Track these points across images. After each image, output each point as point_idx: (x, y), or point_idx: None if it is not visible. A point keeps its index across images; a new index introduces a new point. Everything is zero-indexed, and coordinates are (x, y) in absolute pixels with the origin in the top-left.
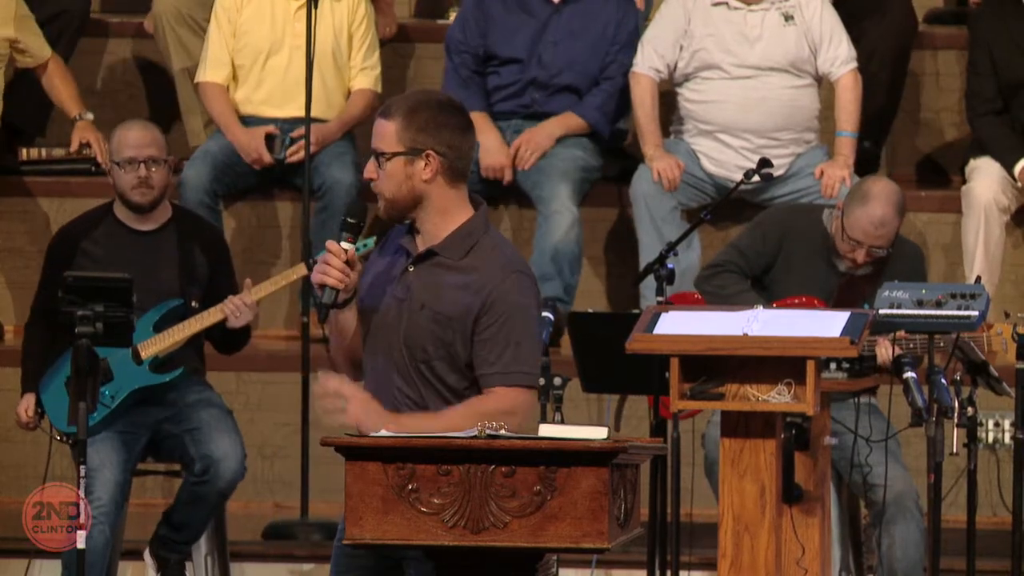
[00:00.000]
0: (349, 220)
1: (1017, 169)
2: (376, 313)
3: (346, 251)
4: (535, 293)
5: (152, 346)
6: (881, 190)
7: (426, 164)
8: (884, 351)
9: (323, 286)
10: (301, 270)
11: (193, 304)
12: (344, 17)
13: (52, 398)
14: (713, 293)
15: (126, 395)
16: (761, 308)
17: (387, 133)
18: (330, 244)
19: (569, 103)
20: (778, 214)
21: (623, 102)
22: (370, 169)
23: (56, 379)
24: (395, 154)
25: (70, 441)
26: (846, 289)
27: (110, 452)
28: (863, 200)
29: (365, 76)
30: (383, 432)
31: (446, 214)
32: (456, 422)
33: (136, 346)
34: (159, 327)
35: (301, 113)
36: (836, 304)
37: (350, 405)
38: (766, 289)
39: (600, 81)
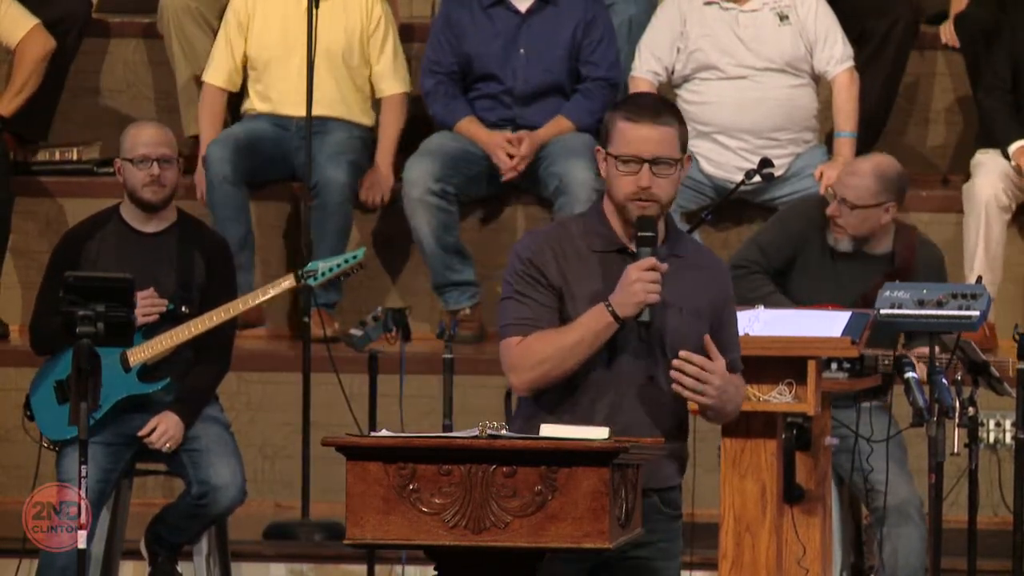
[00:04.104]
0: (648, 235)
1: (1012, 148)
2: None
3: (661, 266)
4: None
5: (141, 352)
6: (871, 156)
7: (683, 168)
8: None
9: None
10: (289, 280)
11: (184, 310)
12: (357, 18)
13: (40, 404)
14: (741, 297)
15: (113, 404)
16: (763, 308)
17: (671, 140)
18: (655, 262)
19: (552, 107)
20: (800, 208)
21: (611, 101)
22: (647, 177)
23: (45, 383)
24: (679, 160)
25: (56, 448)
26: (874, 292)
27: (90, 462)
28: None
29: (396, 82)
30: (384, 433)
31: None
32: (740, 395)
33: (124, 351)
34: (148, 332)
35: (317, 112)
36: (861, 302)
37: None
38: (783, 286)
39: (584, 80)
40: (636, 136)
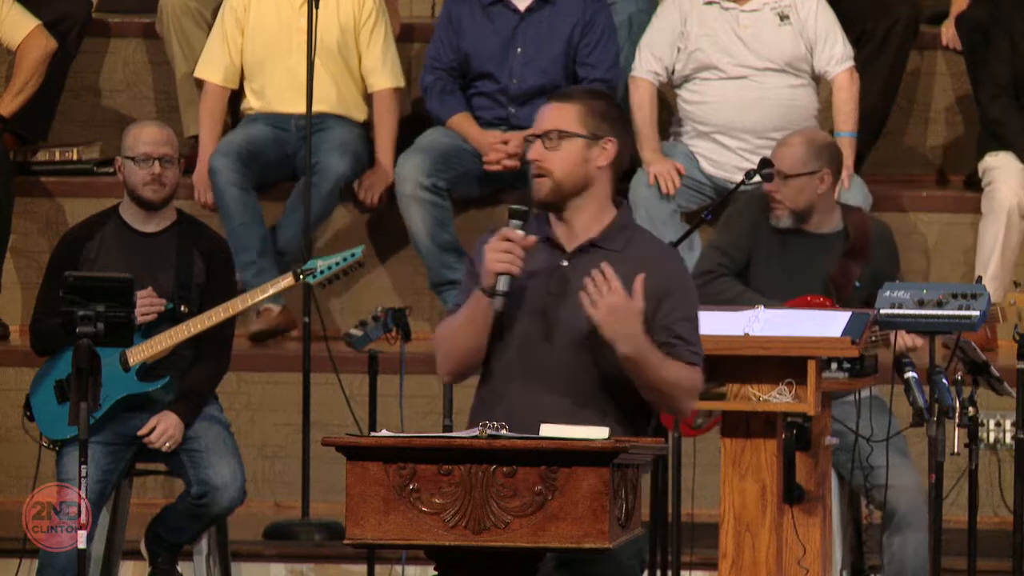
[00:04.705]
0: (519, 208)
1: None
2: (523, 311)
3: (524, 238)
4: None
5: (140, 352)
6: (801, 129)
7: (603, 151)
8: (903, 339)
9: (499, 274)
10: (288, 279)
11: (183, 309)
12: (350, 13)
13: (40, 403)
14: (712, 301)
15: (112, 403)
16: (763, 308)
17: (567, 115)
18: (510, 232)
19: None
20: (743, 203)
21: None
22: (537, 150)
23: (45, 383)
24: (576, 135)
25: (56, 447)
26: (840, 274)
27: (90, 462)
28: None
29: (385, 76)
30: (384, 433)
31: (603, 206)
32: (678, 377)
33: (124, 351)
34: (147, 331)
35: (315, 109)
36: (831, 285)
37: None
38: (745, 282)
39: (581, 81)
40: (538, 116)
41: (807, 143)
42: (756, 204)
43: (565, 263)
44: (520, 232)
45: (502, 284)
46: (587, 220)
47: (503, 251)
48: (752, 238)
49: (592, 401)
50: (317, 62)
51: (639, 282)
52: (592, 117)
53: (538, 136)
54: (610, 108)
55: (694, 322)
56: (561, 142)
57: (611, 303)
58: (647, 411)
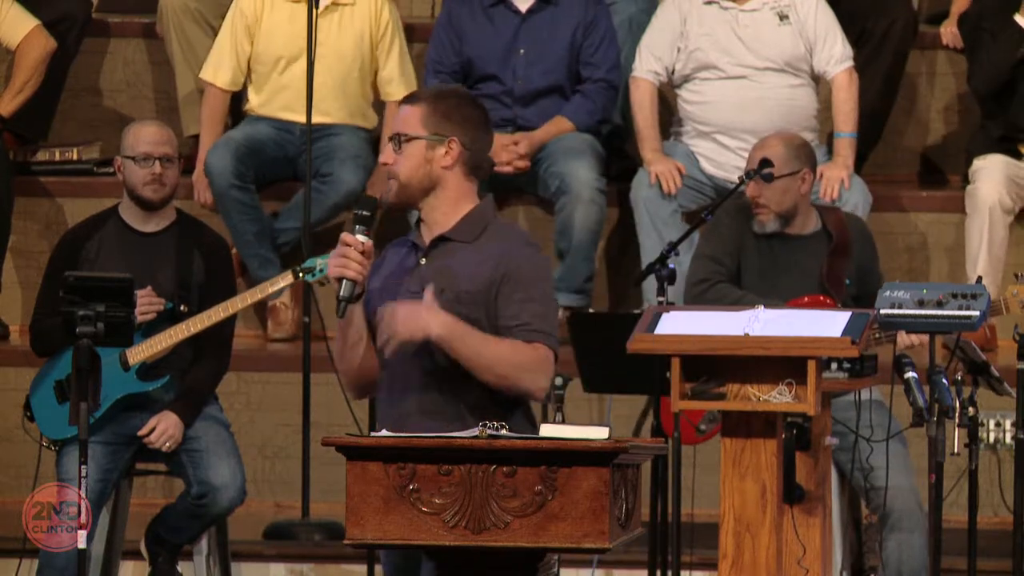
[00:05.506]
0: (362, 213)
1: None
2: None
3: (363, 243)
4: (550, 267)
5: (140, 351)
6: (774, 133)
7: (447, 151)
8: (904, 336)
9: (341, 279)
10: (287, 278)
11: (183, 309)
12: (366, 24)
13: (40, 403)
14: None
15: (112, 403)
16: (762, 308)
17: (411, 118)
18: (347, 237)
19: (552, 107)
20: (725, 212)
21: (610, 102)
22: (387, 153)
23: (45, 383)
24: (417, 137)
25: (56, 447)
26: (831, 273)
27: (89, 462)
28: None
29: (403, 87)
30: (383, 433)
31: (457, 203)
32: (503, 353)
33: (124, 351)
34: (147, 331)
35: (321, 120)
36: (826, 285)
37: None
38: (743, 289)
39: (584, 81)
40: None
41: (786, 144)
42: (737, 214)
43: (423, 260)
44: (360, 238)
45: (344, 290)
46: (441, 217)
47: (339, 255)
48: (739, 246)
49: (459, 394)
50: (332, 75)
51: (427, 293)
52: (435, 117)
53: (391, 139)
54: (457, 108)
55: (537, 303)
56: (404, 145)
57: (400, 313)
58: (513, 399)
